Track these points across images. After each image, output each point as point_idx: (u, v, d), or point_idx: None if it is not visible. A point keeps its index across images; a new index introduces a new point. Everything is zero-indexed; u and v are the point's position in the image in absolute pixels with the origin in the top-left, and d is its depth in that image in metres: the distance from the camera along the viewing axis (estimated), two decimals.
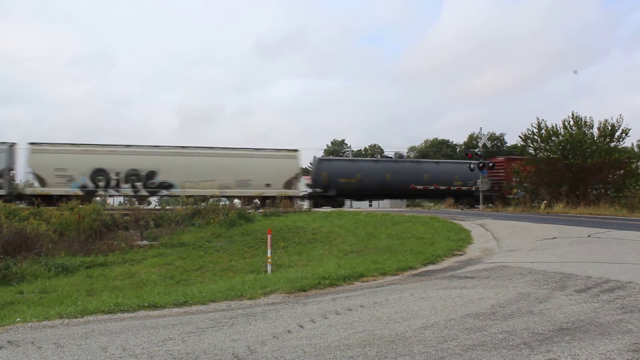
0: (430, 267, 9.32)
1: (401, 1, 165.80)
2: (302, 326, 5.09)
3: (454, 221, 17.61)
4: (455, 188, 37.08)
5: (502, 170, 37.94)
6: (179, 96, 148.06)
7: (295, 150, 33.26)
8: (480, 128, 37.75)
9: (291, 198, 29.71)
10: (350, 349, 4.26)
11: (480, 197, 31.46)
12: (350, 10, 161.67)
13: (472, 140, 62.25)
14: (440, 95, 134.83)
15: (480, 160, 30.73)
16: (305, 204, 31.54)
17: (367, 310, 5.75)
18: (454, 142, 77.06)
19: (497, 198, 36.65)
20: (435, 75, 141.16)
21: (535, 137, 29.39)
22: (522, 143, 31.71)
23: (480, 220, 17.81)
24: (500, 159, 40.81)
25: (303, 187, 34.85)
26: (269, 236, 11.74)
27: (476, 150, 33.46)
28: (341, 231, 18.31)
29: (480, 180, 31.02)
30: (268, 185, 31.29)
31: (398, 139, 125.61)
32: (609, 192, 27.92)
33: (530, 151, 30.32)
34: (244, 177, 31.03)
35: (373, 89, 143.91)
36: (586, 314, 5.26)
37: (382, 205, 43.41)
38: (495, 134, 71.46)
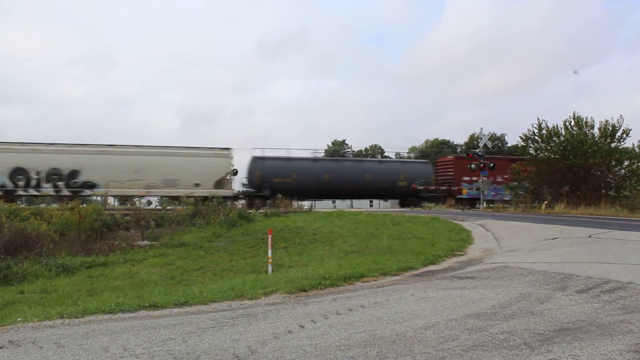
0: (431, 268, 9.32)
1: (402, 1, 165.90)
2: (302, 326, 5.09)
3: (455, 221, 17.61)
4: (401, 187, 35.90)
5: (451, 170, 37.43)
6: (180, 96, 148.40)
7: (228, 149, 32.27)
8: (481, 128, 37.73)
9: (223, 198, 28.81)
10: (351, 349, 4.26)
11: (481, 197, 31.44)
12: (351, 11, 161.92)
13: (473, 140, 62.23)
14: (442, 95, 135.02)
15: (482, 161, 30.73)
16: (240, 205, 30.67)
17: (367, 310, 5.75)
18: (455, 143, 77.15)
19: (446, 198, 36.08)
20: (437, 76, 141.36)
21: (536, 137, 29.39)
22: (522, 143, 31.69)
23: (481, 221, 17.81)
24: (449, 157, 40.24)
25: (239, 186, 33.94)
26: (269, 236, 11.74)
27: (477, 150, 33.45)
28: (342, 231, 18.31)
29: (481, 181, 31.00)
30: (197, 185, 30.55)
31: (399, 139, 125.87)
32: (609, 192, 27.91)
33: (531, 151, 30.30)
34: (172, 176, 30.33)
35: (374, 89, 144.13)
36: (587, 314, 5.25)
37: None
38: (496, 134, 71.56)
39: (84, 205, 25.02)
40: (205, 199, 27.65)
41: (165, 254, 16.57)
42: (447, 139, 78.51)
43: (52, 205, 28.25)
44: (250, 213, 24.20)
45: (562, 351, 4.06)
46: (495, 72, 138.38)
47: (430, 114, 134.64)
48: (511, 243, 12.31)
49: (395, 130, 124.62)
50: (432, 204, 36.39)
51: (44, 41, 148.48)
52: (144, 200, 32.23)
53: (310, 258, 13.60)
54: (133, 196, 29.48)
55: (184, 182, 30.44)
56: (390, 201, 43.80)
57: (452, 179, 37.01)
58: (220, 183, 31.30)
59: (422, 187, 35.59)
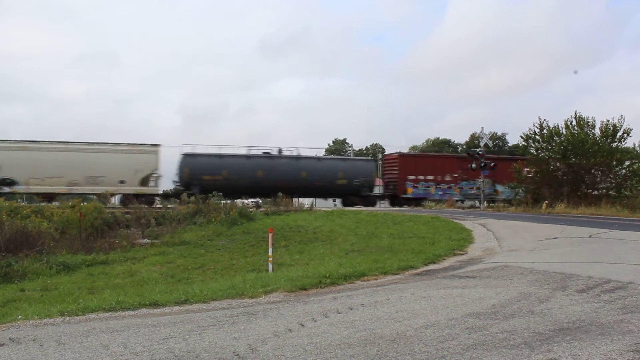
0: (432, 267, 9.32)
1: (405, 0, 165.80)
2: (303, 325, 5.10)
3: (455, 221, 17.61)
4: (340, 186, 34.59)
5: (395, 168, 36.22)
6: (182, 95, 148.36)
7: (155, 145, 31.50)
8: (482, 128, 37.33)
9: (150, 196, 28.23)
10: (351, 348, 4.26)
11: (482, 196, 31.42)
12: (353, 10, 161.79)
13: (474, 140, 62.22)
14: (443, 94, 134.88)
15: (482, 160, 30.72)
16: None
17: (368, 309, 5.76)
18: (456, 142, 77.14)
19: (389, 197, 35.51)
20: (438, 75, 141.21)
21: (537, 136, 29.37)
22: (523, 143, 31.67)
23: (482, 220, 17.81)
24: (394, 155, 38.57)
25: (170, 184, 33.10)
26: (270, 235, 11.74)
27: (477, 150, 33.41)
28: (342, 230, 18.31)
29: (481, 181, 30.99)
30: (122, 182, 29.90)
31: (400, 139, 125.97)
32: (610, 192, 27.90)
33: (532, 151, 30.28)
34: (95, 173, 29.65)
35: (376, 88, 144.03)
36: (587, 314, 5.26)
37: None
38: (496, 133, 71.54)
39: (85, 203, 25.02)
40: (129, 196, 26.97)
41: (165, 253, 16.59)
42: (448, 138, 78.57)
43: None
44: (251, 211, 24.20)
45: (562, 351, 4.06)
46: (498, 72, 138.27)
47: (432, 113, 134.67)
48: (512, 242, 12.31)
49: (397, 130, 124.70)
50: (433, 203, 36.28)
51: (45, 39, 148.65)
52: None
53: (311, 257, 13.61)
54: (55, 194, 28.43)
55: (108, 179, 29.66)
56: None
57: (396, 177, 35.73)
58: (147, 180, 30.43)
59: (359, 184, 34.14)
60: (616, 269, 7.94)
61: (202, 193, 29.36)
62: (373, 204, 33.90)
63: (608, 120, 27.90)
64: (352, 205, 33.07)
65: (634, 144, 36.20)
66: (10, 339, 4.86)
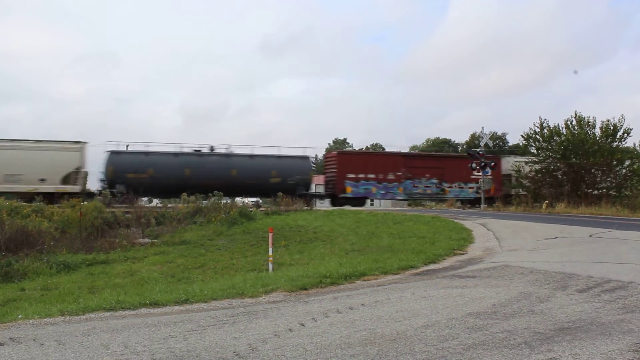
0: (432, 267, 9.33)
1: (405, 0, 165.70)
2: (303, 324, 5.10)
3: (456, 220, 17.62)
4: (273, 184, 32.75)
5: (333, 166, 34.77)
6: (182, 94, 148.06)
7: (79, 142, 30.49)
8: (482, 127, 36.75)
9: (73, 194, 27.02)
10: (352, 348, 4.26)
11: (482, 196, 31.40)
12: (353, 10, 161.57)
13: (474, 139, 62.18)
14: (444, 94, 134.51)
15: (483, 160, 30.71)
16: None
17: (368, 309, 5.76)
18: (456, 142, 77.13)
19: (329, 197, 34.24)
20: (439, 75, 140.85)
21: (537, 136, 29.38)
22: (524, 142, 31.69)
23: (482, 220, 17.81)
24: (333, 153, 37.10)
25: (96, 183, 31.94)
26: (270, 235, 11.75)
27: (478, 149, 33.36)
28: (342, 230, 18.31)
29: (481, 180, 30.98)
30: (43, 180, 28.67)
31: (401, 139, 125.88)
32: (610, 192, 27.92)
33: (532, 150, 30.30)
34: (14, 171, 28.42)
35: (376, 88, 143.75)
36: (587, 313, 5.26)
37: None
38: (497, 133, 71.54)
39: (85, 202, 25.00)
40: (52, 195, 26.16)
41: (166, 252, 16.59)
42: (448, 138, 78.52)
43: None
44: (251, 211, 24.21)
45: (562, 350, 4.07)
46: (499, 72, 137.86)
47: (432, 113, 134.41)
48: (512, 242, 12.31)
49: (398, 129, 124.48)
50: (433, 203, 36.18)
51: (46, 38, 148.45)
52: (144, 199, 31.43)
53: (311, 256, 13.61)
54: None
55: (28, 178, 28.49)
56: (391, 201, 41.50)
57: (335, 176, 34.33)
58: (68, 179, 29.33)
59: (294, 183, 32.62)
60: (616, 269, 7.95)
61: (127, 192, 28.40)
62: (309, 204, 31.57)
63: (608, 120, 27.97)
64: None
65: (634, 144, 36.21)
66: (10, 338, 4.87)
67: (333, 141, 78.67)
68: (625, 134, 27.79)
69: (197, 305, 6.40)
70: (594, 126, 28.30)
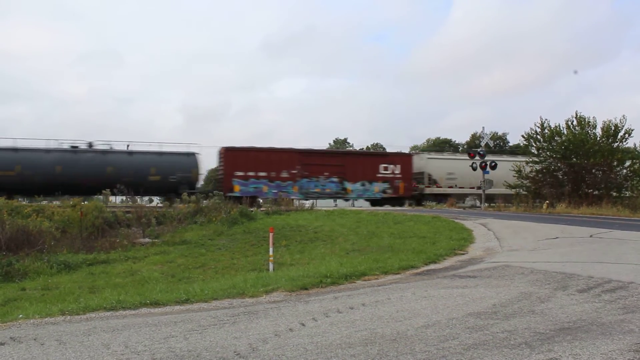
0: (432, 266, 9.32)
1: (407, 0, 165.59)
2: (303, 324, 5.10)
3: (456, 220, 17.62)
4: (152, 182, 31.41)
5: (221, 163, 33.48)
6: (184, 94, 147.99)
7: None
8: (483, 127, 36.45)
9: None
10: (352, 348, 4.27)
11: (482, 196, 31.37)
12: (355, 9, 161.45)
13: (475, 139, 62.18)
14: (445, 94, 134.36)
15: (482, 160, 30.69)
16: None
17: (368, 308, 5.76)
18: (457, 142, 77.12)
19: (215, 196, 31.80)
20: (441, 75, 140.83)
21: (538, 136, 29.36)
22: (524, 142, 31.65)
23: (482, 220, 17.80)
24: (221, 149, 34.67)
25: None
26: (270, 234, 11.75)
27: (478, 149, 33.33)
28: (343, 230, 18.31)
29: (482, 180, 30.95)
30: None
31: (402, 139, 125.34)
32: (611, 192, 27.88)
33: (533, 150, 30.27)
34: None
35: (377, 88, 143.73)
36: (588, 313, 5.26)
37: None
38: (497, 133, 71.52)
39: (85, 202, 25.01)
40: None
41: (166, 252, 16.61)
42: (449, 138, 78.50)
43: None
44: (252, 211, 24.21)
45: (562, 350, 4.07)
46: (500, 72, 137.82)
47: (434, 113, 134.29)
48: (512, 242, 12.31)
49: (399, 129, 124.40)
50: (434, 203, 36.06)
51: (47, 38, 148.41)
52: (145, 198, 31.11)
53: (312, 256, 13.61)
54: None
55: None
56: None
57: (223, 173, 32.99)
58: None
59: (176, 181, 31.32)
60: (617, 269, 7.94)
61: None
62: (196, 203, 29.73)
63: (610, 120, 27.91)
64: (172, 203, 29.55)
65: (635, 144, 36.08)
66: (11, 338, 4.87)
67: (334, 141, 78.62)
68: (627, 135, 27.74)
69: (197, 305, 6.41)
70: (594, 126, 28.27)
